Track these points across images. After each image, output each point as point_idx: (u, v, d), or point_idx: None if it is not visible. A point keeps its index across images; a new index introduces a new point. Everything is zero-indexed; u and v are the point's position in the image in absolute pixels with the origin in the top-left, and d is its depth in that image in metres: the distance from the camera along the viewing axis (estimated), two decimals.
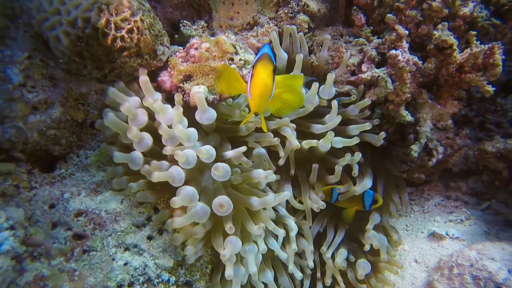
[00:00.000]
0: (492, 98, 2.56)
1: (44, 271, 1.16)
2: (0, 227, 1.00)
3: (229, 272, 1.33)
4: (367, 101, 1.81)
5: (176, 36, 1.91)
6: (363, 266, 1.75)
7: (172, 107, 1.40)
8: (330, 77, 1.74)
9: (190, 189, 1.31)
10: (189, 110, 1.51)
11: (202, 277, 1.47)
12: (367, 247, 1.76)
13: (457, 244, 1.89)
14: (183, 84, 1.51)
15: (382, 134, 1.82)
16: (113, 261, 1.32)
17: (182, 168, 1.32)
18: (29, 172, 1.40)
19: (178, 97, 1.45)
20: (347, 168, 1.80)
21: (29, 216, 1.24)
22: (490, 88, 1.71)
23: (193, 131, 1.39)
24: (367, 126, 1.78)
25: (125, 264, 1.33)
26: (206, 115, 1.43)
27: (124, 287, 1.29)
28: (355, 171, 1.76)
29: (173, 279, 1.38)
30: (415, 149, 1.88)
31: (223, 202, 1.30)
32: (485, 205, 2.25)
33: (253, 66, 1.17)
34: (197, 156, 1.34)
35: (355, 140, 1.73)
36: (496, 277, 1.49)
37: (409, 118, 1.87)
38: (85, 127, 1.52)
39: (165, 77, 1.56)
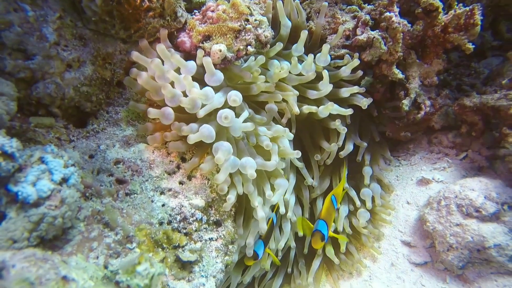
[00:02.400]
0: (466, 64, 2.85)
1: (98, 207, 1.29)
2: (67, 163, 1.12)
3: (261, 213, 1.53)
4: (355, 62, 1.98)
5: (184, 3, 2.01)
6: (363, 215, 2.00)
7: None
8: (326, 47, 1.91)
9: (227, 144, 1.47)
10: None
11: (228, 218, 1.65)
12: (369, 205, 2.01)
13: (442, 185, 2.17)
14: (203, 43, 1.64)
15: (368, 100, 2.04)
16: (152, 203, 1.47)
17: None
18: (65, 127, 1.50)
19: (200, 53, 1.57)
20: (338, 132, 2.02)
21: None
22: (470, 46, 1.95)
23: (209, 89, 1.51)
24: (355, 89, 1.99)
25: (163, 205, 1.48)
26: (214, 78, 1.56)
27: (164, 224, 1.45)
28: (340, 143, 2.01)
29: (205, 218, 1.54)
30: (406, 103, 2.11)
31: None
32: (463, 155, 2.55)
33: None
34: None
35: (349, 111, 1.96)
36: (475, 202, 1.77)
37: (400, 75, 2.09)
38: (112, 86, 1.62)
39: (184, 38, 1.68)
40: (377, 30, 2.04)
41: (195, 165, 1.56)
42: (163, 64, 1.46)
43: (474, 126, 2.41)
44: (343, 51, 2.22)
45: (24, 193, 1.04)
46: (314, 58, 1.90)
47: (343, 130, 1.97)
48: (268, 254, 1.84)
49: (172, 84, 1.45)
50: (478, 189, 1.82)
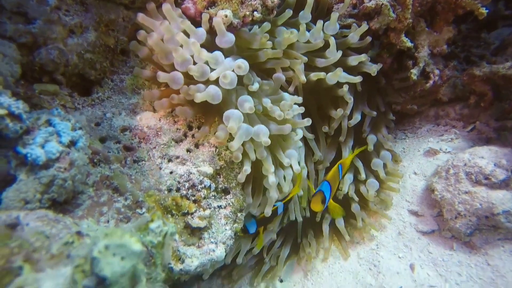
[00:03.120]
0: (475, 35, 2.77)
1: (107, 173, 1.29)
2: (75, 126, 1.10)
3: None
4: (364, 27, 1.94)
5: None
6: (372, 185, 1.99)
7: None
8: (334, 15, 1.85)
9: (237, 112, 1.45)
10: (214, 35, 1.61)
11: (237, 186, 1.64)
12: (383, 175, 2.00)
13: (450, 155, 2.15)
14: (208, 9, 1.59)
15: (378, 65, 1.99)
16: (160, 170, 1.46)
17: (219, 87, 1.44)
18: (70, 95, 1.48)
19: (205, 16, 1.53)
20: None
21: None
22: (484, 10, 1.89)
23: (218, 53, 1.49)
24: (363, 57, 1.94)
25: (171, 172, 1.47)
26: (225, 39, 1.52)
27: (173, 191, 1.45)
28: (347, 111, 1.98)
29: (213, 185, 1.54)
30: (414, 72, 2.07)
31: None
32: (471, 127, 2.52)
33: None
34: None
35: (358, 79, 1.91)
36: (484, 170, 1.76)
37: (408, 43, 2.04)
38: (116, 53, 1.59)
39: (188, 4, 1.63)
40: None
41: (205, 133, 1.55)
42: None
43: (484, 97, 2.37)
44: (349, 20, 2.16)
45: (33, 155, 1.03)
46: (323, 26, 1.85)
47: (349, 99, 1.94)
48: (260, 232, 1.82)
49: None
50: (487, 157, 1.80)
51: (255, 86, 1.57)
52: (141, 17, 1.44)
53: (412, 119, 2.78)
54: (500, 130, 2.41)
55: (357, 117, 2.03)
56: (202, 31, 1.48)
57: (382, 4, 1.96)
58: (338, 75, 1.83)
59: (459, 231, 1.82)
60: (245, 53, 1.78)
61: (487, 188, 1.76)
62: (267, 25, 1.68)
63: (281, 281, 2.06)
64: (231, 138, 1.52)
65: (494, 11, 2.77)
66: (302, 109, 1.71)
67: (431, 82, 2.15)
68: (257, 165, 1.60)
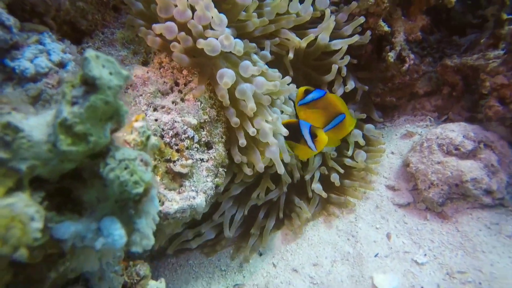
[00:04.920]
0: (447, 40, 2.99)
1: None
2: (65, 49, 1.13)
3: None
4: (353, 5, 2.08)
5: None
6: (361, 154, 2.05)
7: None
8: None
9: (230, 71, 1.51)
10: None
11: (219, 142, 1.68)
12: (362, 141, 2.07)
13: (425, 131, 2.26)
14: None
15: (368, 32, 2.11)
16: (146, 116, 1.48)
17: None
18: (61, 40, 1.51)
19: None
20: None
21: None
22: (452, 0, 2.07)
23: (224, 16, 1.56)
24: (361, 20, 2.05)
25: (156, 120, 1.50)
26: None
27: (156, 137, 1.47)
28: (344, 72, 2.06)
29: (197, 137, 1.57)
30: (391, 55, 2.21)
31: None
32: (444, 117, 2.67)
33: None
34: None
35: (356, 38, 2.00)
36: (454, 141, 1.87)
37: (386, 28, 2.19)
38: (108, 8, 1.64)
39: None
40: None
41: (203, 91, 1.59)
42: None
43: (455, 86, 2.54)
44: (332, 7, 2.31)
45: (21, 66, 1.05)
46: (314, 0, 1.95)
47: (341, 64, 1.99)
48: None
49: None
50: (457, 130, 1.92)
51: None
52: None
53: (390, 112, 2.91)
54: (471, 120, 2.57)
55: (351, 83, 2.10)
56: None
57: None
58: (331, 29, 1.89)
59: (432, 200, 1.89)
60: (233, 24, 1.87)
61: (457, 158, 1.85)
62: None
63: (260, 254, 2.06)
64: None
65: (463, 19, 3.03)
66: (293, 87, 1.77)
67: (406, 65, 2.30)
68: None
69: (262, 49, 1.92)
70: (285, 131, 1.60)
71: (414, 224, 1.92)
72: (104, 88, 0.55)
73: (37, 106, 0.98)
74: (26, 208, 0.56)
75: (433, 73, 2.74)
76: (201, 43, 1.45)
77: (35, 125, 0.59)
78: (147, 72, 1.59)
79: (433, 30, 2.78)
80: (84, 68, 0.54)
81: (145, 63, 1.65)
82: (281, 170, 1.64)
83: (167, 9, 1.50)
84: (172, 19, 1.50)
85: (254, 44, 1.83)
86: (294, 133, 1.64)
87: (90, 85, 0.55)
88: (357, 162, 2.04)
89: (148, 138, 0.93)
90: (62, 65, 1.14)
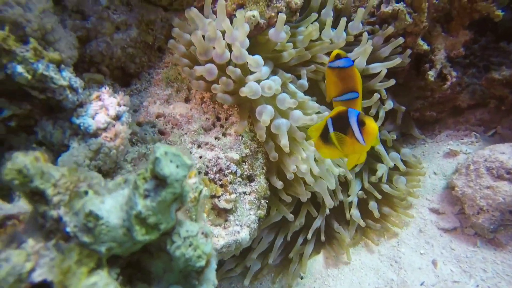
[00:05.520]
0: (494, 46, 2.83)
1: (144, 151, 1.40)
2: (120, 102, 1.24)
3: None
4: (390, 29, 2.04)
5: None
6: (401, 180, 2.00)
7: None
8: (360, 12, 1.95)
9: (269, 107, 1.57)
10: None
11: (261, 174, 1.73)
12: (403, 167, 2.01)
13: (470, 154, 2.17)
14: (237, 11, 1.75)
15: (408, 51, 2.06)
16: (191, 154, 1.57)
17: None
18: (112, 85, 1.63)
19: (240, 14, 1.66)
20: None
21: None
22: (500, 13, 1.97)
23: (259, 57, 1.61)
24: (400, 40, 2.01)
25: (200, 157, 1.58)
26: (281, 35, 1.67)
27: (202, 174, 1.55)
28: (384, 95, 2.02)
29: (239, 171, 1.63)
30: (431, 74, 2.15)
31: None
32: (492, 131, 2.54)
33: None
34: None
35: (398, 61, 1.96)
36: (506, 164, 1.78)
37: (425, 46, 2.13)
38: (153, 50, 1.75)
39: None
40: (402, 3, 2.10)
41: (245, 126, 1.65)
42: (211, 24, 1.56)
43: (504, 100, 2.40)
44: (368, 27, 2.28)
45: (85, 123, 1.16)
46: (346, 25, 1.95)
47: (381, 88, 1.94)
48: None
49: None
50: (509, 152, 1.82)
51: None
52: (192, 13, 1.58)
53: (431, 126, 2.81)
54: None
55: (390, 103, 2.06)
56: (247, 27, 1.61)
57: (399, 9, 2.08)
58: (367, 54, 1.86)
59: (482, 226, 1.81)
60: (269, 54, 1.92)
61: (510, 182, 1.77)
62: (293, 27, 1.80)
63: (302, 278, 2.08)
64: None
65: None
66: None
67: (448, 83, 2.22)
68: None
69: (298, 77, 1.95)
70: (317, 171, 1.60)
71: (462, 251, 1.85)
72: (172, 183, 0.61)
73: (105, 174, 1.09)
74: (106, 286, 0.64)
75: (477, 85, 2.62)
76: (243, 92, 1.51)
77: (111, 209, 0.67)
78: (191, 110, 1.67)
79: (476, 40, 2.65)
80: (156, 167, 0.60)
81: (187, 100, 1.73)
82: (329, 203, 1.65)
83: (206, 53, 1.58)
84: (212, 61, 1.58)
85: (289, 75, 1.86)
86: (341, 123, 1.35)
87: (160, 179, 0.61)
88: (397, 187, 2.00)
89: (200, 192, 0.99)
90: (118, 117, 1.24)
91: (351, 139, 1.33)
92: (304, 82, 1.89)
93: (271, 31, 1.68)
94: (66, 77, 1.12)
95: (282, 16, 1.61)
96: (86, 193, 0.71)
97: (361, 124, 1.29)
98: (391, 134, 2.17)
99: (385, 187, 1.99)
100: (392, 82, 1.98)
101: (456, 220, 1.97)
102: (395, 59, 1.97)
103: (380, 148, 2.01)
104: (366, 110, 2.12)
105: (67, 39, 1.24)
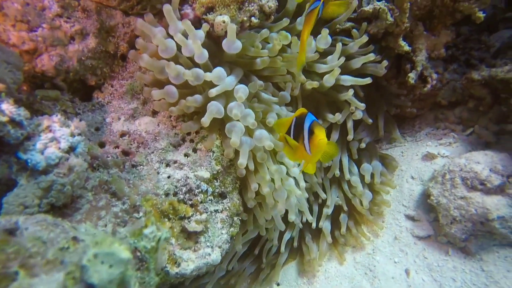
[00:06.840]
0: (476, 38, 2.76)
1: (105, 177, 1.32)
2: (74, 132, 1.13)
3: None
4: (364, 38, 1.90)
5: None
6: (366, 196, 1.94)
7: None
8: (325, 32, 1.76)
9: (239, 124, 1.47)
10: (212, 40, 1.64)
11: (234, 190, 1.67)
12: (367, 179, 1.96)
13: (447, 160, 2.16)
14: (206, 15, 1.62)
15: (384, 63, 1.98)
16: (158, 174, 1.49)
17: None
18: (71, 100, 1.51)
19: (205, 27, 1.55)
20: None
21: None
22: (481, 14, 1.90)
23: (221, 70, 1.49)
24: (371, 56, 1.92)
25: (168, 177, 1.50)
26: (235, 45, 1.54)
27: (170, 196, 1.48)
28: (353, 108, 1.95)
29: (210, 189, 1.57)
30: (412, 76, 2.08)
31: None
32: (469, 130, 2.53)
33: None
34: None
35: (368, 80, 1.87)
36: (480, 175, 1.77)
37: (406, 47, 2.05)
38: (116, 59, 1.62)
39: (187, 10, 1.66)
40: (383, 1, 1.99)
41: (214, 140, 1.56)
42: (169, 28, 1.44)
43: (482, 101, 2.38)
44: (348, 24, 2.17)
45: (33, 160, 1.06)
46: (315, 41, 1.83)
47: (356, 103, 1.88)
48: None
49: (175, 60, 1.44)
50: (483, 162, 1.81)
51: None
52: (140, 23, 1.46)
53: (411, 122, 2.78)
54: (499, 133, 2.42)
55: (360, 113, 1.97)
56: (201, 33, 1.50)
57: (380, 8, 1.97)
58: (335, 76, 1.81)
59: (454, 236, 1.83)
60: (241, 59, 1.80)
61: (483, 193, 1.77)
62: (265, 32, 1.68)
63: (278, 284, 2.09)
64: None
65: (495, 13, 2.76)
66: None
67: (428, 86, 2.16)
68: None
69: (274, 84, 1.85)
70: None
71: (434, 260, 1.88)
72: (105, 287, 0.54)
73: (61, 207, 1.00)
74: None
75: (458, 82, 2.57)
76: (204, 123, 1.44)
77: None
78: (158, 125, 1.57)
79: (460, 33, 2.58)
80: (84, 275, 0.53)
81: (155, 112, 1.63)
82: (292, 218, 1.63)
83: (162, 73, 1.45)
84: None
85: (262, 82, 1.75)
86: (300, 126, 1.27)
87: (90, 284, 0.54)
88: (361, 201, 1.97)
89: (158, 241, 0.93)
90: (72, 149, 1.14)
91: (301, 146, 1.26)
92: (286, 94, 1.80)
93: (224, 42, 1.53)
94: (5, 111, 1.01)
95: (232, 27, 1.46)
96: (16, 273, 0.64)
97: (311, 133, 1.21)
98: (361, 143, 2.11)
99: (355, 201, 1.98)
100: (368, 80, 1.90)
101: (430, 227, 1.99)
102: (366, 78, 1.88)
103: (343, 160, 1.98)
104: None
105: (7, 60, 1.11)
